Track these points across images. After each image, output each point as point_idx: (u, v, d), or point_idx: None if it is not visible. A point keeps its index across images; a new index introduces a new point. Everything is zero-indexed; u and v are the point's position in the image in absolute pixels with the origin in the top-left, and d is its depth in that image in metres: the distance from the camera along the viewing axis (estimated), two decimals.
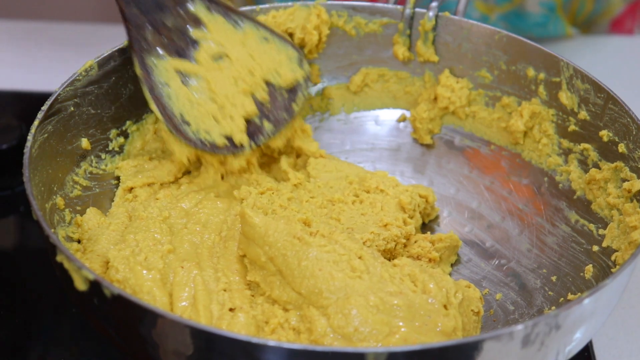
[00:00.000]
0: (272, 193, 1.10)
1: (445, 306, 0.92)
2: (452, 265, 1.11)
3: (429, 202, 1.14)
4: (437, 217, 1.17)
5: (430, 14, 1.16)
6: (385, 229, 1.06)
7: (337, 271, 0.92)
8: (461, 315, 0.93)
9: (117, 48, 1.09)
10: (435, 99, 1.19)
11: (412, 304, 0.91)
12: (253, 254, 0.97)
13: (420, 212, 1.12)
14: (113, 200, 1.09)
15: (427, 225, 1.16)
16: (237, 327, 0.91)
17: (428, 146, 1.21)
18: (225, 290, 0.95)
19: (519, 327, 0.81)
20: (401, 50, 1.19)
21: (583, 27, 1.59)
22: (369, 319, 0.89)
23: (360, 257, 0.94)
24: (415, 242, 1.08)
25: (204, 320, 0.92)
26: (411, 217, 1.10)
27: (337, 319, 0.89)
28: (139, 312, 0.82)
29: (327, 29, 1.19)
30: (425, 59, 1.19)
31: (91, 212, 1.05)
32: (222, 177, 1.12)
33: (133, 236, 1.00)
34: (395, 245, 1.06)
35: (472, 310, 0.98)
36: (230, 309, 0.93)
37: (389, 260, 1.04)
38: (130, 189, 1.09)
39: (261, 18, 1.15)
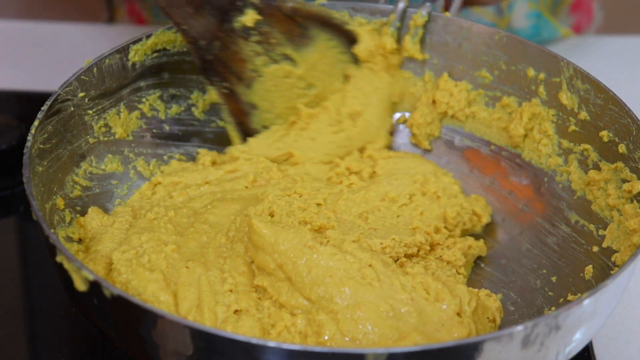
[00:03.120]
0: (300, 196, 1.07)
1: (458, 314, 0.92)
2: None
3: (480, 222, 1.12)
4: None
5: (424, 12, 1.16)
6: (412, 232, 1.05)
7: (348, 278, 0.92)
8: (475, 322, 0.93)
9: (117, 48, 1.09)
10: (434, 102, 1.19)
11: (424, 311, 0.91)
12: (261, 261, 0.96)
13: (463, 230, 1.10)
14: (112, 200, 1.09)
15: None
16: (242, 330, 0.91)
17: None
18: (231, 292, 0.95)
19: (519, 327, 0.81)
20: (389, 42, 1.18)
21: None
22: (379, 324, 0.89)
23: (370, 265, 0.94)
24: (449, 248, 1.06)
25: (208, 322, 0.91)
26: (450, 230, 1.08)
27: (347, 324, 0.89)
28: (139, 312, 0.82)
29: None
30: (410, 54, 1.18)
31: (93, 211, 1.05)
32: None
33: (138, 237, 0.99)
34: (418, 251, 1.04)
35: (487, 317, 0.98)
36: (236, 311, 0.93)
37: (410, 259, 1.03)
38: (155, 185, 1.09)
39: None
